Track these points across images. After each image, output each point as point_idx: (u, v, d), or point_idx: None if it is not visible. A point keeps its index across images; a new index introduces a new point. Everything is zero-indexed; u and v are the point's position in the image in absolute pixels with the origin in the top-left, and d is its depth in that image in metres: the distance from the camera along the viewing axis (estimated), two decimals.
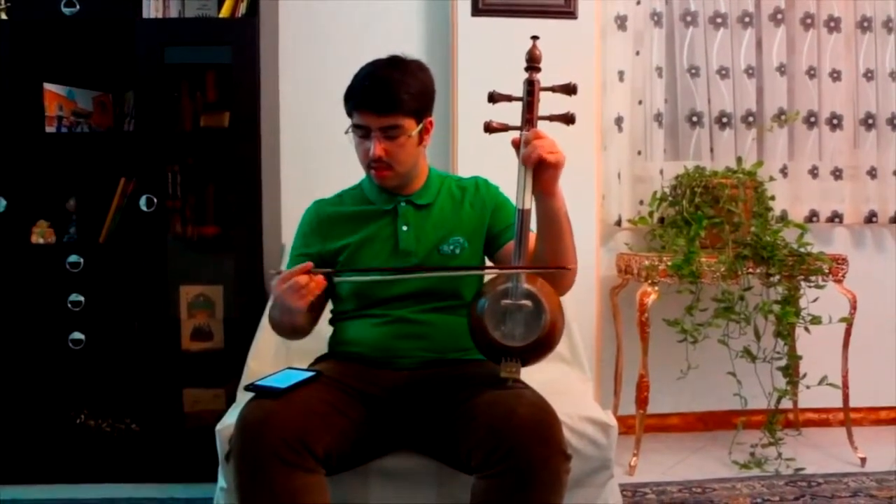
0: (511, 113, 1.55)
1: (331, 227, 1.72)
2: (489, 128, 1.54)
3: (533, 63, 1.53)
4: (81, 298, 2.32)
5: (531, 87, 1.52)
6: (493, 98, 1.55)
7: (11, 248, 2.31)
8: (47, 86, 2.35)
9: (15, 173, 2.34)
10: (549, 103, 1.52)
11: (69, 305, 2.31)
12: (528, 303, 1.46)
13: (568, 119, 1.52)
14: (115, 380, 2.38)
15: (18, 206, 2.34)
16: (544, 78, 1.53)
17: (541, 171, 1.47)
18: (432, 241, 1.68)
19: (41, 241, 2.36)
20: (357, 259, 1.68)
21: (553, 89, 1.52)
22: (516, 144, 1.49)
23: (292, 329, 1.63)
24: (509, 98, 1.54)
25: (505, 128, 1.53)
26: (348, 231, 1.70)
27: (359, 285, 1.65)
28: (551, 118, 1.52)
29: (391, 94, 1.56)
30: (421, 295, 1.65)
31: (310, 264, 1.48)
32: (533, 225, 1.55)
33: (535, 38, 1.54)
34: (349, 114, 1.62)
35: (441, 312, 1.65)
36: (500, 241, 1.70)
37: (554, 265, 1.53)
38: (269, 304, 1.73)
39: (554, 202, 1.50)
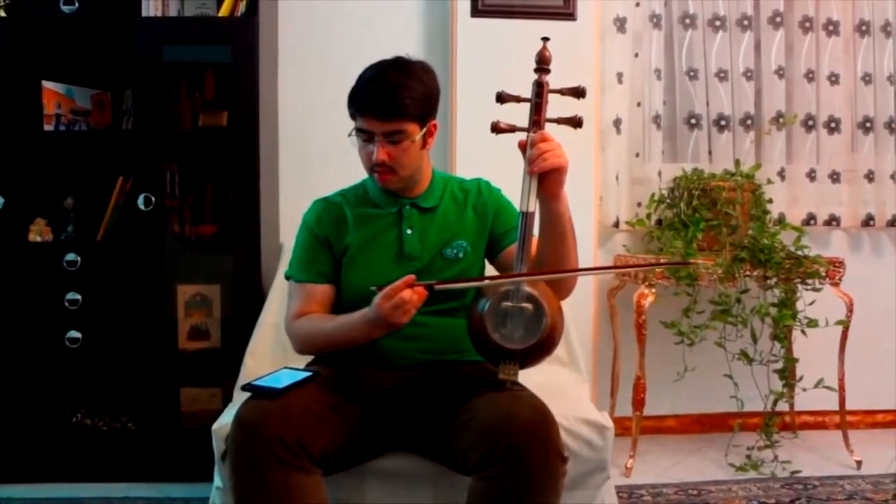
0: (515, 114, 1.55)
1: (336, 226, 1.70)
2: (496, 128, 1.53)
3: (542, 65, 1.52)
4: (79, 297, 2.31)
5: (540, 90, 1.51)
6: (502, 98, 1.54)
7: (9, 246, 2.30)
8: (46, 84, 2.35)
9: (13, 171, 2.33)
10: (552, 105, 1.52)
11: (66, 304, 2.31)
12: (528, 305, 1.45)
13: (575, 122, 1.51)
14: (112, 378, 2.37)
15: (16, 203, 2.33)
16: None
17: (546, 175, 1.47)
18: (436, 245, 1.67)
19: (38, 239, 2.35)
20: (360, 260, 1.67)
21: (562, 92, 1.51)
22: (523, 147, 1.49)
23: (353, 346, 1.58)
24: (518, 99, 1.53)
25: (512, 129, 1.53)
26: (352, 232, 1.69)
27: (365, 290, 1.63)
28: (559, 121, 1.52)
29: (395, 100, 1.54)
30: None
31: (412, 277, 1.45)
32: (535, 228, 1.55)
33: (545, 39, 1.53)
34: (352, 117, 1.60)
35: (442, 315, 1.65)
36: (501, 244, 1.70)
37: (560, 269, 1.52)
38: (300, 327, 1.64)
39: (558, 206, 1.50)
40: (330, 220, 1.71)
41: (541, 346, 1.46)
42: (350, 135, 1.61)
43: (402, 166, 1.61)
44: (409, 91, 1.56)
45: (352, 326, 1.55)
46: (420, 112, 1.58)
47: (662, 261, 2.48)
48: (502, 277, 1.61)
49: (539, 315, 1.45)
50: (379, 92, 1.55)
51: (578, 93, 1.51)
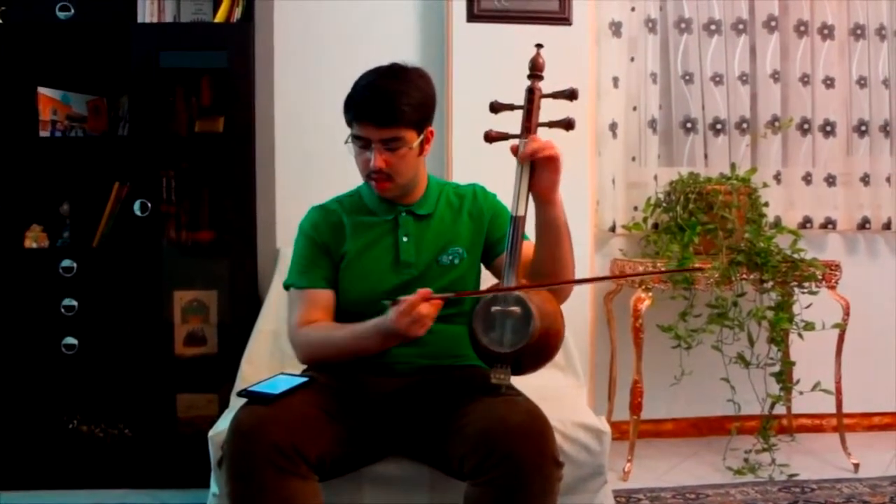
0: (511, 120, 1.55)
1: (332, 234, 1.70)
2: (489, 137, 1.54)
3: (535, 71, 1.53)
4: (75, 303, 2.31)
5: (531, 96, 1.52)
6: (495, 108, 1.55)
7: (4, 253, 2.30)
8: (41, 90, 2.35)
9: (8, 177, 2.34)
10: (547, 109, 1.52)
11: (62, 310, 2.31)
12: (516, 309, 1.45)
13: (567, 125, 1.51)
14: (109, 385, 2.37)
15: (12, 210, 2.33)
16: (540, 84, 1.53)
17: (540, 176, 1.47)
18: (432, 252, 1.67)
19: (34, 245, 2.35)
20: (357, 268, 1.66)
21: (554, 96, 1.52)
22: (515, 151, 1.49)
23: (365, 356, 1.58)
24: (511, 107, 1.54)
25: (505, 136, 1.53)
26: (349, 239, 1.68)
27: (366, 296, 1.62)
28: (551, 124, 1.52)
29: (392, 107, 1.54)
30: None
31: (428, 291, 1.45)
32: (531, 233, 1.55)
33: (539, 46, 1.53)
34: (349, 124, 1.59)
35: (439, 321, 1.62)
36: (497, 249, 1.69)
37: (552, 273, 1.53)
38: (305, 335, 1.62)
39: (553, 210, 1.50)
40: (327, 226, 1.71)
41: (532, 350, 1.45)
42: (346, 142, 1.61)
43: (400, 173, 1.60)
44: (407, 98, 1.55)
45: (364, 336, 1.54)
46: (417, 119, 1.58)
47: (661, 267, 2.48)
48: (509, 289, 1.55)
49: (527, 318, 1.43)
50: (376, 99, 1.55)
51: (571, 95, 1.51)
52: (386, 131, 1.55)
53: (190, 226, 2.49)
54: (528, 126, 1.51)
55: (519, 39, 2.50)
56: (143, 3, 2.36)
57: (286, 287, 1.72)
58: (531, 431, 1.37)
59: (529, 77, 1.53)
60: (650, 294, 2.47)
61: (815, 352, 2.60)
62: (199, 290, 2.41)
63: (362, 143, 1.58)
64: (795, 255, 2.52)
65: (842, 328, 2.54)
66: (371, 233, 1.68)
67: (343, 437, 1.50)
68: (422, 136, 1.61)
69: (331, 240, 1.69)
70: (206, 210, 2.51)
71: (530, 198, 1.51)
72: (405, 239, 1.67)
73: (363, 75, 1.61)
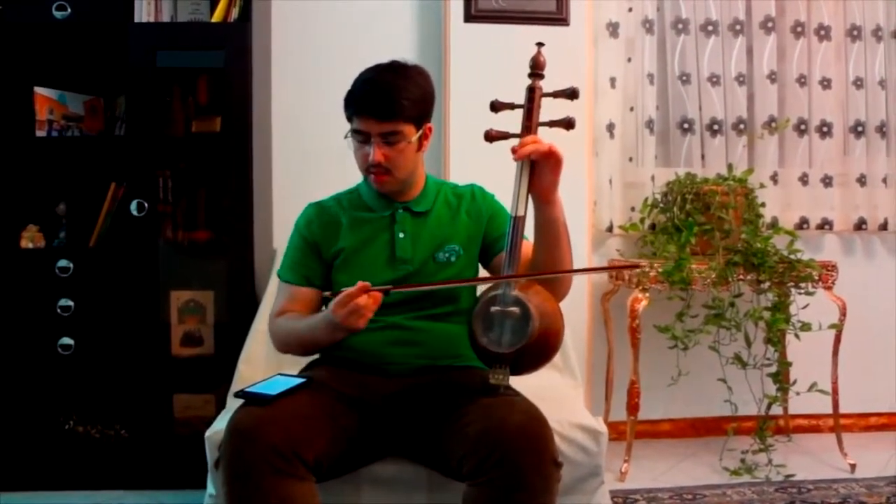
0: (510, 120, 1.55)
1: (328, 230, 1.71)
2: (489, 136, 1.55)
3: (536, 70, 1.53)
4: (71, 303, 2.31)
5: (531, 94, 1.52)
6: (496, 107, 1.56)
7: (0, 253, 2.29)
8: (38, 89, 2.34)
9: (5, 177, 2.33)
10: (547, 109, 1.52)
11: (58, 310, 2.30)
12: (515, 310, 1.45)
13: (568, 124, 1.51)
14: (105, 385, 2.36)
15: (8, 209, 2.32)
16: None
17: (540, 176, 1.47)
18: (428, 249, 1.68)
19: (30, 245, 2.35)
20: (353, 264, 1.67)
21: (555, 95, 1.52)
22: (515, 152, 1.50)
23: (321, 347, 1.62)
24: (511, 106, 1.54)
25: (505, 136, 1.54)
26: (345, 235, 1.69)
27: None
28: (551, 124, 1.52)
29: (392, 101, 1.56)
30: (416, 301, 1.64)
31: (367, 284, 1.46)
32: (530, 233, 1.55)
33: (539, 44, 1.54)
34: (349, 119, 1.61)
35: (435, 320, 1.65)
36: (495, 249, 1.70)
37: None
38: (278, 325, 1.66)
39: (552, 210, 1.50)
40: (321, 224, 1.72)
41: (531, 351, 1.45)
42: (346, 136, 1.62)
43: (398, 167, 1.62)
44: (406, 92, 1.57)
45: (316, 327, 1.57)
46: (416, 114, 1.60)
47: (658, 268, 2.48)
48: (462, 281, 1.65)
49: (526, 319, 1.44)
50: (376, 93, 1.57)
51: (572, 94, 1.51)
52: (385, 125, 1.57)
53: (187, 226, 2.49)
54: (529, 125, 1.51)
55: (516, 40, 2.51)
56: (139, 3, 2.36)
57: (278, 276, 1.76)
58: (530, 432, 1.37)
59: (530, 76, 1.53)
60: (647, 294, 2.47)
61: (811, 352, 2.60)
62: (195, 291, 2.41)
63: (362, 137, 1.60)
64: (792, 256, 2.52)
65: (838, 329, 2.55)
66: (367, 228, 1.69)
67: (341, 437, 1.49)
68: (420, 132, 1.62)
69: (322, 238, 1.70)
70: (202, 210, 2.51)
71: (530, 198, 1.51)
72: (401, 235, 1.67)
73: (363, 72, 1.63)
